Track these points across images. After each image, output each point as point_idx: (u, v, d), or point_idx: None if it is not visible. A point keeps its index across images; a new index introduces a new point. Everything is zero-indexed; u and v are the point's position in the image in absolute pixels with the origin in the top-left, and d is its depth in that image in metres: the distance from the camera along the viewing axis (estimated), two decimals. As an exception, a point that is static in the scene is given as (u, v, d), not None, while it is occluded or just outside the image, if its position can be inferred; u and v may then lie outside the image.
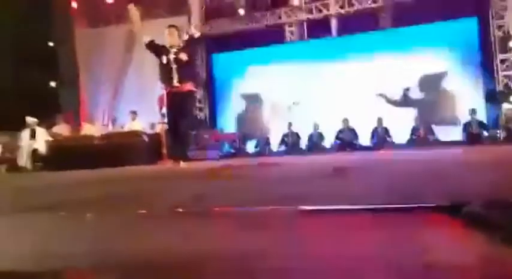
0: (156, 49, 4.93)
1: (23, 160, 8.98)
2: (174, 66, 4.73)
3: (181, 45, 4.91)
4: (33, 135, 9.10)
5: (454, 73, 10.29)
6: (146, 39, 5.04)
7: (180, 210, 1.61)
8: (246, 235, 1.18)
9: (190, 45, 4.99)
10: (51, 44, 13.53)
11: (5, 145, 9.58)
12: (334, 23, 11.52)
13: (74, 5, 13.03)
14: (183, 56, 4.72)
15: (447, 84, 10.37)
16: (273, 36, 11.88)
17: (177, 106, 4.81)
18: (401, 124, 9.90)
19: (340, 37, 11.49)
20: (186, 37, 5.09)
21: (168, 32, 4.94)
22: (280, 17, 11.87)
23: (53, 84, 13.73)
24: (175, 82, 4.74)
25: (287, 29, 11.93)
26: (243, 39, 11.95)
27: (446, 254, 0.87)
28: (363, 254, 0.94)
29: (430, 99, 10.49)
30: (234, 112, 12.07)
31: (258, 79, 11.81)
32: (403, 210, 1.23)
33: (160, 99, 5.10)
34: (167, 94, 4.87)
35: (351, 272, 0.83)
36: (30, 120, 9.17)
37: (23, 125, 9.29)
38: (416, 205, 1.22)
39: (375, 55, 10.86)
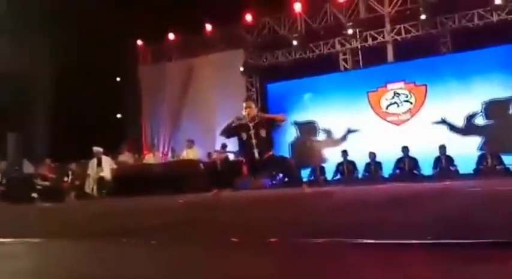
0: (239, 129, 5.15)
1: (90, 187, 9.55)
2: (254, 141, 4.94)
3: (258, 120, 5.11)
4: (99, 164, 9.68)
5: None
6: (235, 123, 5.26)
7: (235, 240, 1.65)
8: (300, 267, 1.19)
9: (267, 121, 5.21)
10: (118, 79, 14.57)
11: (74, 173, 10.26)
12: (390, 50, 11.36)
13: (139, 42, 14.02)
14: (262, 132, 4.98)
15: (516, 110, 9.74)
16: (327, 65, 11.92)
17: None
18: (466, 153, 9.37)
19: (396, 63, 11.28)
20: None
21: (246, 105, 5.16)
22: (334, 46, 11.93)
23: (118, 115, 14.67)
24: (257, 156, 4.94)
25: (341, 57, 11.94)
26: (297, 69, 12.10)
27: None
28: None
29: (497, 125, 9.87)
30: (288, 141, 12.10)
31: (313, 107, 11.81)
32: (462, 245, 1.18)
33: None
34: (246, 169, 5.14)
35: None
36: (96, 149, 9.77)
37: (90, 154, 9.93)
38: (476, 241, 1.17)
39: (434, 82, 10.50)
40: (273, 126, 5.23)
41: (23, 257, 1.70)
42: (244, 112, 5.11)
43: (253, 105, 5.27)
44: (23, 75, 12.18)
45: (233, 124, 5.18)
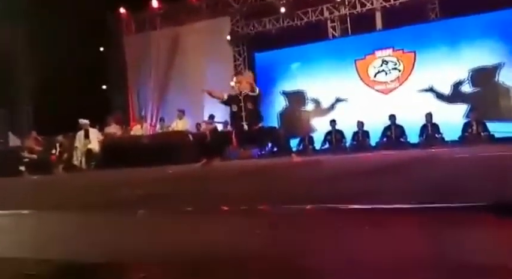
0: (230, 101, 5.34)
1: (78, 159, 9.50)
2: (243, 114, 5.14)
3: (249, 93, 5.28)
4: (86, 136, 9.59)
5: (510, 66, 9.71)
6: (225, 96, 5.45)
7: (225, 208, 1.66)
8: (289, 233, 1.21)
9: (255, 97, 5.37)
10: (101, 49, 14.20)
11: (61, 145, 10.15)
12: (378, 17, 11.22)
13: (122, 10, 13.59)
14: (249, 105, 5.18)
15: (502, 77, 9.80)
16: (315, 33, 11.76)
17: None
18: (452, 121, 9.48)
19: (385, 31, 11.18)
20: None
21: (236, 80, 5.42)
22: (322, 13, 11.73)
23: (104, 87, 14.40)
24: (246, 128, 5.14)
25: (329, 24, 11.77)
26: (285, 37, 11.92)
27: (490, 254, 0.85)
28: (405, 253, 0.94)
29: (483, 93, 9.96)
30: (276, 110, 12.09)
31: (301, 76, 11.75)
32: (448, 209, 1.21)
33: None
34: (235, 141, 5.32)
35: (393, 270, 0.84)
36: (83, 121, 9.66)
37: (77, 127, 9.82)
38: (462, 205, 1.19)
39: (422, 49, 10.47)
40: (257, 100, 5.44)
41: (12, 229, 1.70)
42: (234, 86, 5.38)
43: (243, 80, 5.39)
44: (3, 48, 11.79)
45: (225, 97, 5.39)
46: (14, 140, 10.84)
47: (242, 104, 5.13)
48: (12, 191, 3.56)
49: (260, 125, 5.27)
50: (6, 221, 1.86)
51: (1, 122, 9.48)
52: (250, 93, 5.27)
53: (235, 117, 5.22)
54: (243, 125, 5.10)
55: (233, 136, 5.29)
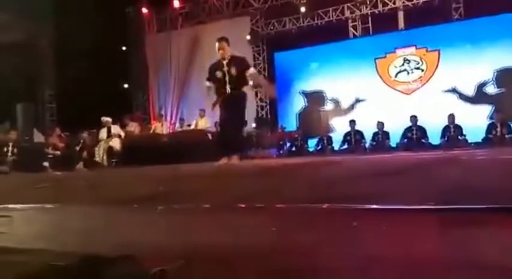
0: (214, 69, 5.34)
1: (100, 156, 9.69)
2: (227, 78, 5.15)
3: (232, 56, 5.29)
4: (109, 133, 9.78)
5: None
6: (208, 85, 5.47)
7: (242, 205, 1.68)
8: (304, 233, 1.21)
9: (241, 65, 5.32)
10: (124, 48, 14.44)
11: (85, 142, 10.38)
12: (401, 16, 11.06)
13: (145, 10, 13.79)
14: (233, 71, 5.15)
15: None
16: (336, 32, 11.68)
17: (229, 109, 5.22)
18: (475, 123, 9.27)
19: (407, 30, 11.01)
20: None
21: (219, 46, 5.27)
22: (343, 13, 11.64)
23: (125, 85, 14.64)
24: (228, 90, 5.16)
25: (350, 24, 11.67)
26: (305, 37, 11.88)
27: (505, 256, 0.84)
28: (422, 254, 0.94)
29: (507, 94, 9.71)
30: (295, 111, 12.06)
31: (321, 76, 11.69)
32: (467, 210, 1.19)
33: (213, 105, 5.50)
34: (221, 99, 5.27)
35: (411, 271, 0.84)
36: (105, 119, 9.87)
37: (99, 124, 10.02)
38: (481, 206, 1.18)
39: (446, 48, 10.28)
40: (244, 66, 5.32)
41: (37, 222, 1.76)
42: (218, 51, 5.26)
43: (226, 46, 5.31)
44: (29, 46, 12.12)
45: (209, 66, 5.41)
46: (38, 137, 11.13)
47: (225, 69, 5.15)
48: (37, 185, 3.67)
49: (242, 90, 5.24)
50: (32, 214, 1.93)
51: (26, 117, 9.75)
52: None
53: (218, 82, 5.21)
54: (226, 88, 5.12)
55: (218, 102, 5.29)
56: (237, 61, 5.29)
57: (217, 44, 5.30)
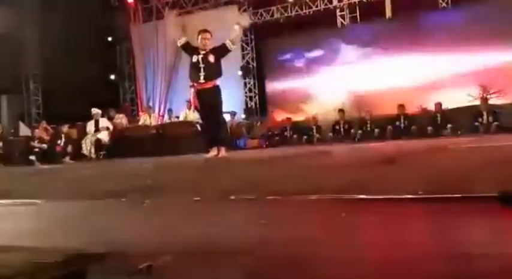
0: (189, 49, 5.41)
1: (88, 149, 9.56)
2: (202, 66, 5.19)
3: (214, 47, 5.32)
4: (96, 125, 9.65)
5: None
6: (181, 41, 5.48)
7: (233, 197, 1.67)
8: (297, 223, 1.21)
9: (220, 49, 5.36)
10: (109, 38, 14.20)
11: (67, 135, 10.21)
12: (388, 4, 11.04)
13: (130, 0, 13.56)
14: (211, 58, 5.22)
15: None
16: (324, 21, 11.63)
17: (206, 102, 5.25)
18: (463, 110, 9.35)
19: (394, 19, 11.01)
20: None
21: (203, 36, 5.33)
22: (330, 2, 11.58)
23: (112, 77, 14.42)
24: (202, 79, 5.19)
25: (338, 13, 11.63)
26: (294, 26, 11.82)
27: (496, 243, 0.85)
28: (410, 243, 0.94)
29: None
30: (285, 100, 12.04)
31: (310, 66, 11.67)
32: (453, 199, 1.20)
33: (192, 98, 5.47)
34: (196, 92, 5.31)
35: (399, 260, 0.84)
36: (94, 111, 9.71)
37: (86, 116, 9.87)
38: (467, 195, 1.19)
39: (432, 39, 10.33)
40: (222, 52, 5.39)
41: (23, 218, 1.73)
42: (200, 42, 5.30)
43: (210, 38, 5.39)
44: (13, 37, 11.85)
45: (191, 44, 5.42)
46: (24, 130, 10.95)
47: (201, 56, 5.20)
48: (21, 180, 3.61)
49: (216, 82, 5.30)
50: (16, 210, 1.90)
51: (10, 110, 9.57)
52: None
53: (193, 67, 5.27)
54: (200, 76, 5.18)
55: (192, 91, 5.34)
56: (216, 49, 5.34)
57: (201, 35, 5.35)
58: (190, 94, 5.53)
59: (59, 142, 9.65)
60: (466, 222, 1.04)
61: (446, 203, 1.23)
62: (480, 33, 9.74)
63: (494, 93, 9.44)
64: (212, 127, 5.37)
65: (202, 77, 5.17)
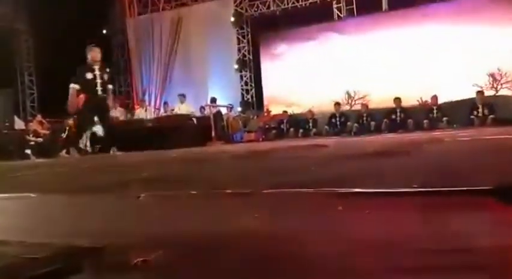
0: (82, 71, 6.03)
1: (83, 143, 9.52)
2: (99, 81, 5.94)
3: (102, 62, 6.14)
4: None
5: None
6: (75, 84, 6.04)
7: (228, 191, 1.66)
8: (291, 217, 1.21)
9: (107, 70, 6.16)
10: (104, 31, 14.09)
11: (71, 128, 10.20)
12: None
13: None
14: (105, 76, 6.03)
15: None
16: (320, 14, 11.60)
17: (96, 110, 6.08)
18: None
19: (391, 11, 11.00)
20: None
21: (92, 51, 6.09)
22: (327, -6, 11.54)
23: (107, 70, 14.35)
24: (100, 93, 5.98)
25: (334, 5, 11.59)
26: (290, 19, 11.77)
27: (486, 237, 0.85)
28: (406, 236, 0.94)
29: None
30: (281, 94, 12.02)
31: (306, 59, 11.64)
32: (446, 193, 1.20)
33: (80, 99, 6.09)
34: (85, 100, 5.99)
35: (393, 254, 0.84)
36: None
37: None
38: (460, 188, 1.19)
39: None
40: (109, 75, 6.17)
41: (14, 212, 1.72)
42: (88, 56, 6.03)
43: (98, 51, 6.14)
44: (7, 31, 11.75)
45: (78, 69, 6.05)
46: (19, 125, 10.89)
47: (97, 73, 5.94)
48: (16, 174, 3.60)
49: (110, 89, 6.10)
50: (8, 204, 1.88)
51: (5, 104, 9.50)
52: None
53: (89, 83, 5.91)
54: (97, 90, 5.91)
55: (82, 98, 5.95)
56: (105, 68, 6.16)
57: (92, 50, 6.05)
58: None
59: (62, 134, 9.67)
60: (462, 215, 1.04)
61: (443, 196, 1.23)
62: (479, 22, 9.76)
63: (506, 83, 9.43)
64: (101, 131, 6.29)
65: (100, 91, 6.00)
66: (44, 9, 11.19)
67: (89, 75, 5.89)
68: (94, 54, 6.02)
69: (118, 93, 14.15)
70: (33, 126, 10.24)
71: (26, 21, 12.79)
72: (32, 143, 9.58)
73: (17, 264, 0.88)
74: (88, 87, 5.89)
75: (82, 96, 5.92)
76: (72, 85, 5.95)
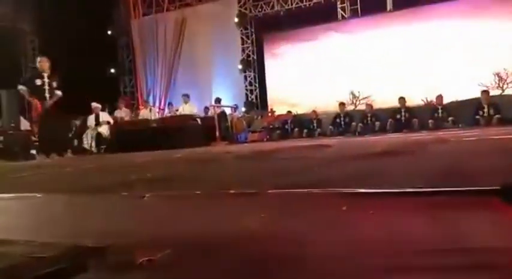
0: (32, 76, 6.67)
1: (88, 143, 9.58)
2: (47, 88, 6.53)
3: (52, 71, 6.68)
4: (97, 119, 9.67)
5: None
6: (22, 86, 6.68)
7: (232, 191, 1.66)
8: (295, 218, 1.21)
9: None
10: (109, 32, 14.14)
11: (77, 128, 10.27)
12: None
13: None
14: (54, 84, 6.63)
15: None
16: (324, 14, 11.58)
17: (52, 118, 6.64)
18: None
19: (396, 11, 10.96)
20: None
21: (40, 61, 6.70)
22: (331, -6, 11.52)
23: (112, 70, 14.39)
24: (47, 98, 6.53)
25: (339, 5, 11.56)
26: (294, 19, 11.76)
27: (492, 238, 0.84)
28: (410, 237, 0.93)
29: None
30: (285, 94, 12.01)
31: (310, 58, 11.63)
32: (451, 193, 1.19)
33: (35, 108, 6.66)
34: (40, 106, 6.53)
35: (398, 254, 0.83)
36: (94, 105, 9.73)
37: (86, 111, 9.88)
38: (465, 189, 1.18)
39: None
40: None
41: (19, 212, 1.73)
42: (37, 65, 6.66)
43: (46, 62, 6.67)
44: (12, 32, 11.81)
45: (29, 73, 6.86)
46: (25, 125, 10.95)
47: (46, 80, 6.53)
48: (22, 174, 3.62)
49: (55, 99, 6.65)
50: (14, 204, 1.90)
51: (11, 104, 9.56)
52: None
53: (38, 89, 6.49)
54: (46, 96, 6.50)
55: (38, 104, 6.53)
56: (55, 77, 6.72)
57: (41, 60, 6.64)
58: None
59: (70, 135, 9.74)
60: (467, 215, 1.03)
61: (448, 196, 1.23)
62: (484, 21, 9.71)
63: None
64: (54, 137, 6.84)
65: (48, 97, 6.56)
66: (49, 10, 11.25)
67: (38, 82, 6.50)
68: (42, 64, 6.65)
69: (123, 94, 14.20)
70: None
71: (31, 21, 12.87)
72: (37, 143, 9.63)
73: (22, 264, 0.89)
74: (36, 91, 6.49)
75: (36, 101, 6.52)
76: (20, 87, 6.63)
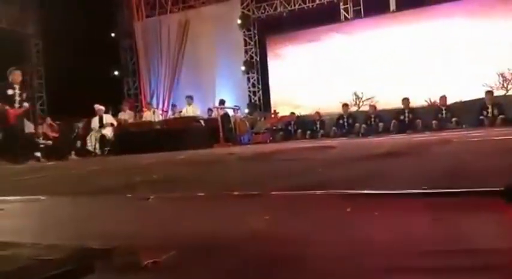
0: (5, 87, 7.00)
1: (92, 145, 9.61)
2: (17, 98, 7.01)
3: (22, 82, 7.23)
4: (101, 122, 9.69)
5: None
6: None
7: (236, 193, 1.67)
8: (299, 219, 1.21)
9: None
10: (113, 34, 14.19)
11: (80, 131, 10.31)
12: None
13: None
14: (24, 96, 7.10)
15: None
16: (327, 15, 11.57)
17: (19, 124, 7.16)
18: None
19: (399, 12, 10.94)
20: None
21: (12, 74, 7.06)
22: (334, -5, 11.51)
23: (116, 73, 14.43)
24: (17, 107, 7.00)
25: (342, 6, 11.55)
26: (297, 20, 11.75)
27: (496, 239, 0.84)
28: (410, 239, 0.94)
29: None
30: (288, 95, 12.00)
31: (313, 60, 11.62)
32: (455, 194, 1.19)
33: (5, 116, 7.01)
34: (7, 113, 6.97)
35: (403, 255, 0.84)
36: (98, 107, 9.77)
37: (90, 113, 9.92)
38: (469, 190, 1.18)
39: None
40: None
41: (25, 214, 1.74)
42: (10, 78, 7.01)
43: (19, 75, 7.11)
44: (17, 34, 11.87)
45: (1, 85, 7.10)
46: (29, 127, 11.01)
47: (17, 91, 7.02)
48: (26, 177, 3.64)
49: (26, 107, 7.18)
50: (20, 207, 1.91)
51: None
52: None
53: (9, 98, 6.97)
54: (15, 105, 6.97)
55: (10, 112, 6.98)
56: (25, 89, 7.34)
57: (13, 73, 7.02)
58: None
59: (73, 137, 9.79)
60: (471, 216, 1.03)
61: (452, 197, 1.23)
62: (488, 21, 9.68)
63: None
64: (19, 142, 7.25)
65: (17, 105, 7.03)
66: (53, 13, 11.31)
67: (10, 91, 6.99)
68: (15, 76, 7.07)
69: (127, 96, 14.24)
70: (43, 128, 10.34)
71: (35, 25, 12.93)
72: (42, 145, 9.68)
73: (29, 266, 0.90)
74: (7, 100, 6.98)
75: (9, 109, 6.96)
76: None
